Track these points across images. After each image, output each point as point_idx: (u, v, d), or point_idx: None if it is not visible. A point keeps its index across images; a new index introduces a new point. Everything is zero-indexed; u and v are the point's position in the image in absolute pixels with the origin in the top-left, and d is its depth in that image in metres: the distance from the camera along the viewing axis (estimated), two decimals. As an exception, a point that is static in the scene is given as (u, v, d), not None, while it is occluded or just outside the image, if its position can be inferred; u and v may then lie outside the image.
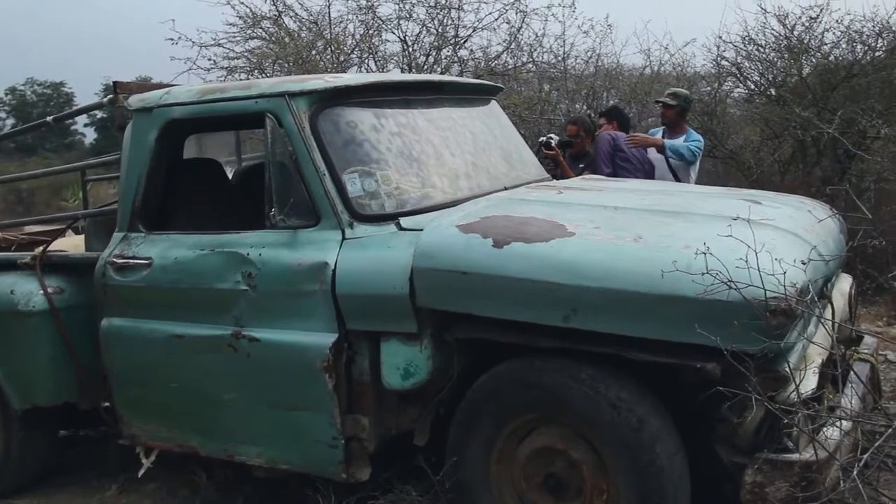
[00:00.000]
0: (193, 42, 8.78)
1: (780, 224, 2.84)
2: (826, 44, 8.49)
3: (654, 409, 2.56)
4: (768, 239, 2.51)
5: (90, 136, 40.78)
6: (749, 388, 2.29)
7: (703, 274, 2.30)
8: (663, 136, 5.77)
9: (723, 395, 2.35)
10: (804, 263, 2.44)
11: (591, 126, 6.19)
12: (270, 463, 3.20)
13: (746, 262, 2.29)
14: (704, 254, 2.31)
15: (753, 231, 2.41)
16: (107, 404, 3.58)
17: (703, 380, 2.46)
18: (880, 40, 8.09)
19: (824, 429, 2.50)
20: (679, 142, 5.68)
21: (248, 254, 3.08)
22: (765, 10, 8.51)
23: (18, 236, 4.95)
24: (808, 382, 2.51)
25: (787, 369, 2.38)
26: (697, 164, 5.83)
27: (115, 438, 3.63)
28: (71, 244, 4.40)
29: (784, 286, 2.29)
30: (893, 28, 7.92)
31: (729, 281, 2.26)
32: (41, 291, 3.58)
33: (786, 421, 2.38)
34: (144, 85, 3.88)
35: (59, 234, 4.41)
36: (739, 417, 2.44)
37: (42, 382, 3.63)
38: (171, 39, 8.64)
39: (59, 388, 3.64)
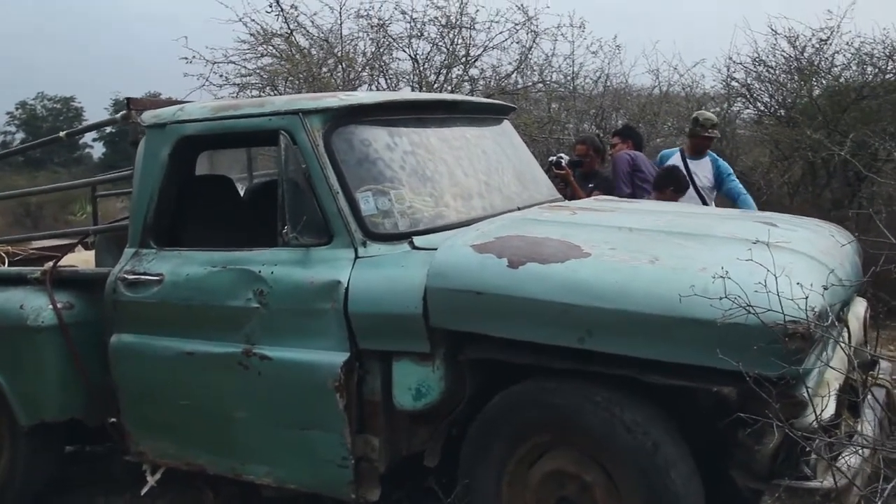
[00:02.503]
0: (207, 60, 8.82)
1: (797, 247, 2.82)
2: (836, 66, 8.52)
3: (670, 432, 2.53)
4: (786, 262, 2.48)
5: (98, 150, 41.06)
6: (769, 414, 2.26)
7: (721, 298, 2.28)
8: (683, 158, 5.72)
9: (739, 419, 2.32)
10: (825, 288, 2.41)
11: (601, 146, 6.17)
12: (279, 482, 3.17)
13: (765, 285, 2.26)
14: (723, 278, 2.28)
15: (771, 254, 2.39)
16: (114, 420, 3.56)
17: (719, 404, 2.43)
18: (891, 63, 8.10)
19: (843, 456, 2.46)
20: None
21: (259, 271, 3.07)
22: (775, 32, 8.55)
23: (28, 250, 4.95)
24: (828, 408, 2.48)
25: (806, 395, 2.35)
26: None
27: (122, 455, 3.60)
28: (81, 259, 4.39)
29: (806, 311, 2.26)
30: (904, 51, 7.94)
31: (748, 305, 2.23)
32: (51, 307, 3.55)
33: (807, 448, 2.34)
34: (158, 101, 3.88)
35: (70, 249, 4.40)
36: (759, 443, 2.40)
37: (50, 398, 3.60)
38: (185, 58, 8.68)
39: (67, 404, 3.61)
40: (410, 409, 2.87)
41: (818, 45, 8.39)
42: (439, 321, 2.74)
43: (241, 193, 4.43)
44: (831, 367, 2.57)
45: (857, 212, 5.83)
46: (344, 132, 3.16)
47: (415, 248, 2.93)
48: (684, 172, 5.38)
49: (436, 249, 2.85)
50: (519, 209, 3.48)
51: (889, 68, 8.12)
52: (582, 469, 2.64)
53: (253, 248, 3.17)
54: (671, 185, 5.13)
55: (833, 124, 7.96)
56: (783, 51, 8.65)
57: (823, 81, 8.59)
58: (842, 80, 8.42)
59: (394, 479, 3.05)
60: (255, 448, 3.17)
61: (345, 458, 2.94)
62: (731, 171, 5.84)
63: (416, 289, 2.76)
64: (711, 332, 2.31)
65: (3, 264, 4.81)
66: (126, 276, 3.38)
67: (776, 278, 2.27)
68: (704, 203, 5.51)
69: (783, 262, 2.42)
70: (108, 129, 31.11)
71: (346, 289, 2.88)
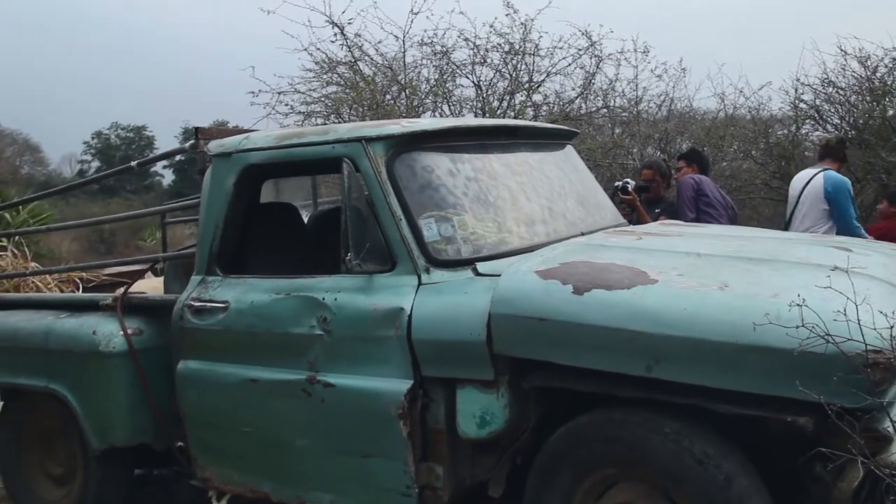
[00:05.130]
0: (273, 90, 9.01)
1: (874, 273, 2.71)
2: (912, 85, 8.27)
3: (743, 465, 2.43)
4: (863, 288, 2.38)
5: (168, 177, 42.27)
6: (852, 449, 2.15)
7: (797, 327, 2.19)
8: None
9: (815, 453, 2.22)
10: None
11: (667, 171, 6.08)
12: (342, 510, 3.15)
13: (845, 313, 2.17)
14: (799, 305, 2.20)
15: (846, 280, 2.30)
16: (181, 445, 3.60)
17: (792, 434, 2.33)
18: (970, 80, 7.84)
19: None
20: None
21: (323, 298, 3.08)
22: (844, 52, 8.36)
23: (101, 276, 5.08)
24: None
25: (892, 429, 2.24)
26: None
27: (188, 479, 3.63)
28: (151, 286, 4.48)
29: (891, 340, 2.16)
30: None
31: (826, 335, 2.14)
32: (121, 332, 3.63)
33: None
34: (224, 130, 3.96)
35: (140, 275, 4.50)
36: (840, 480, 2.29)
37: (120, 423, 3.67)
38: (252, 92, 8.89)
39: (137, 429, 3.67)
40: (475, 438, 2.83)
41: (891, 65, 8.17)
42: (503, 348, 2.70)
43: (306, 220, 4.47)
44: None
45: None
46: (406, 159, 3.16)
47: (478, 274, 2.91)
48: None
49: (499, 276, 2.82)
50: (583, 234, 3.44)
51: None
52: (651, 503, 2.56)
53: (316, 275, 3.19)
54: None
55: (908, 146, 7.72)
56: (853, 71, 8.46)
57: (897, 102, 8.35)
58: (918, 100, 8.18)
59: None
60: (319, 476, 3.17)
61: (409, 486, 2.91)
62: None
63: (480, 315, 2.73)
64: (786, 361, 2.22)
65: (78, 290, 4.95)
66: (192, 302, 3.43)
67: (857, 306, 2.17)
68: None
69: (860, 289, 2.32)
70: (177, 158, 31.99)
71: (410, 316, 2.87)
